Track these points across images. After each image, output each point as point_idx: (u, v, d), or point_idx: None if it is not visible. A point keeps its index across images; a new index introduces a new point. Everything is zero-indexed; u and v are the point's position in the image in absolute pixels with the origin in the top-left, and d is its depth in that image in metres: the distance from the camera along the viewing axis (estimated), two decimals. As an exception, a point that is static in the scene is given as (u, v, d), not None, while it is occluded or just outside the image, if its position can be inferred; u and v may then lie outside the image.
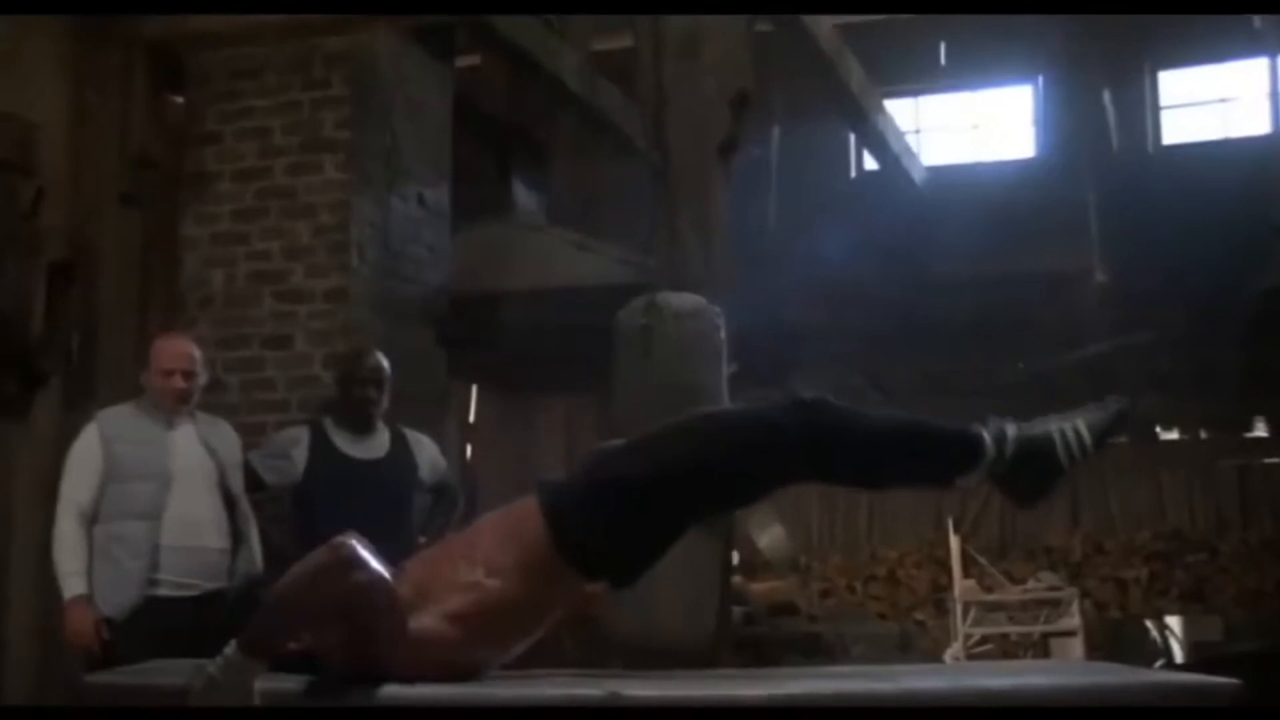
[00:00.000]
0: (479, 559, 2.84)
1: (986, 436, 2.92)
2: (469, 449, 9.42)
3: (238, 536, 4.64)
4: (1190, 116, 11.89)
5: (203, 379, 4.75)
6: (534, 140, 8.99)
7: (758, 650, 5.76)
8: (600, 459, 2.97)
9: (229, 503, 4.64)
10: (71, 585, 4.37)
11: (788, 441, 2.86)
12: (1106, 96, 11.43)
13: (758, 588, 7.83)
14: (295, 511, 4.96)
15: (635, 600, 4.68)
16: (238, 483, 4.71)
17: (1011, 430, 2.93)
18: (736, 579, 5.97)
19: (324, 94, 6.13)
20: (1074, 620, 9.76)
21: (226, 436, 4.81)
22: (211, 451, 4.65)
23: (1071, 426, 2.98)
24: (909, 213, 10.81)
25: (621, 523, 2.86)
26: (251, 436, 5.19)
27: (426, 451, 5.17)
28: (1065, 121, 11.78)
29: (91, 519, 4.44)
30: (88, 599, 4.36)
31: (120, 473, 4.46)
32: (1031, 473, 2.96)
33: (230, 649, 2.59)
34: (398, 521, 4.74)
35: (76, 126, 5.83)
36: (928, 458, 2.96)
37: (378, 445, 5.01)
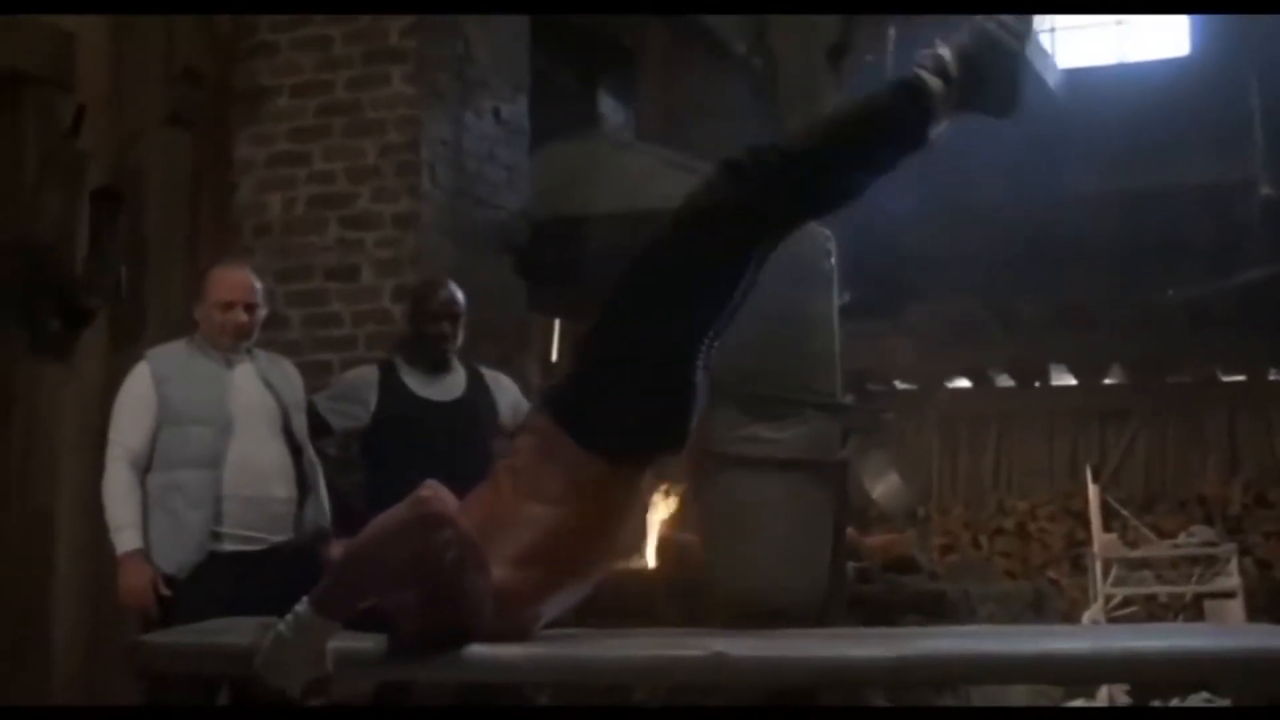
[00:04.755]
0: (525, 490, 2.89)
1: (923, 74, 2.98)
2: (551, 390, 9.46)
3: (304, 485, 4.68)
4: (1371, 5, 11.54)
5: (263, 312, 4.78)
6: (621, 47, 8.94)
7: (874, 609, 5.77)
8: (579, 347, 3.06)
9: (294, 448, 4.67)
10: (125, 540, 4.41)
11: (738, 210, 2.95)
12: (1274, -17, 11.12)
13: (873, 541, 7.83)
14: (365, 459, 5.03)
15: (738, 555, 4.71)
16: (303, 426, 4.73)
17: (945, 51, 3.03)
18: (850, 532, 5.97)
19: (388, -3, 6.13)
20: (1232, 580, 9.62)
21: (289, 375, 4.84)
22: (274, 392, 4.68)
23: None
24: (1043, 122, 10.61)
25: (629, 389, 2.93)
26: (315, 376, 5.25)
27: (507, 393, 5.21)
28: (1225, 13, 11.48)
29: (145, 467, 4.48)
30: (143, 554, 4.40)
31: (174, 416, 4.49)
32: (990, 75, 3.04)
33: (302, 607, 2.64)
34: (475, 469, 4.75)
35: (116, 37, 5.87)
36: (883, 131, 3.06)
37: (453, 385, 5.06)
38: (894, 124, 3.04)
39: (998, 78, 3.04)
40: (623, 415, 2.93)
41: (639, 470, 3.06)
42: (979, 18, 3.05)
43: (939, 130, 3.04)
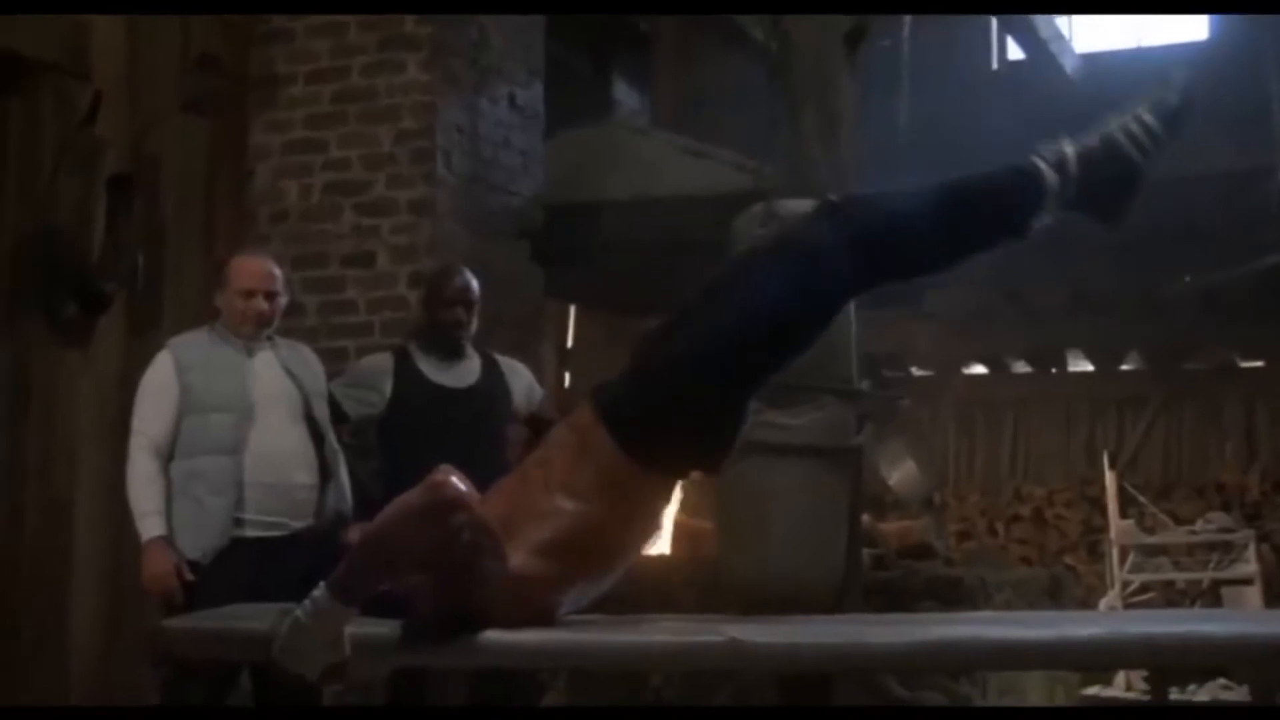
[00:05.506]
0: (556, 483, 2.89)
1: (1042, 165, 2.96)
2: (567, 376, 9.48)
3: (325, 472, 4.70)
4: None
5: (284, 300, 4.81)
6: (636, 33, 8.94)
7: (890, 596, 5.77)
8: (645, 347, 3.02)
9: (315, 435, 4.69)
10: (149, 526, 4.45)
11: (833, 254, 2.91)
12: (1294, -34, 11.05)
13: (888, 528, 7.82)
14: (379, 445, 5.05)
15: (754, 541, 4.71)
16: (324, 413, 4.76)
17: (1070, 149, 2.98)
18: (865, 518, 5.97)
19: (403, -17, 6.13)
20: (1250, 566, 9.59)
21: (309, 362, 4.87)
22: (295, 380, 4.71)
23: (1133, 117, 3.03)
24: (1059, 108, 10.55)
25: (684, 406, 2.91)
26: (332, 363, 5.27)
27: (521, 379, 5.23)
28: (1236, 13, 11.43)
29: (168, 455, 4.52)
30: (167, 541, 4.44)
31: (196, 404, 4.52)
32: (1108, 184, 3.00)
33: (319, 592, 2.65)
34: (489, 455, 4.78)
35: (132, 25, 5.89)
36: (988, 210, 3.00)
37: (467, 372, 5.07)
38: (1001, 207, 3.00)
39: (1114, 187, 3.02)
40: (671, 429, 2.92)
41: (672, 481, 3.06)
42: (1114, 125, 3.02)
43: (1042, 221, 3.01)
